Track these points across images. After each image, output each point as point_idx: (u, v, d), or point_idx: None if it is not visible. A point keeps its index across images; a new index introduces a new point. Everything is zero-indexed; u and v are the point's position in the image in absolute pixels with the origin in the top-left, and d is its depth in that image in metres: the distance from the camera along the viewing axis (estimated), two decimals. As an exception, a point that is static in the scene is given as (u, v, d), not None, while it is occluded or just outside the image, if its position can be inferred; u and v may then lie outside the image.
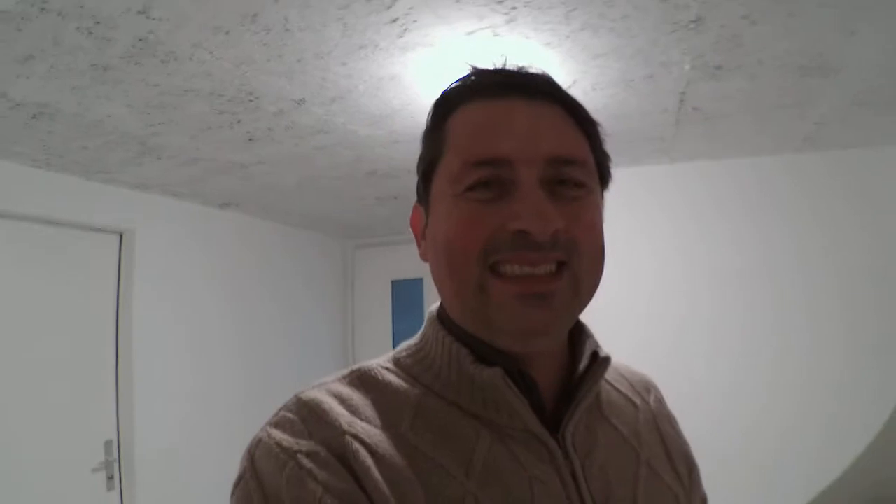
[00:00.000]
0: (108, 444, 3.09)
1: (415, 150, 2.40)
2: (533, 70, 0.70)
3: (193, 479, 3.41)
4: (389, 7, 1.53)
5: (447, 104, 0.70)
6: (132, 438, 3.17)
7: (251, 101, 2.11)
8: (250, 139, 2.50)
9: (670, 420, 0.85)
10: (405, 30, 1.66)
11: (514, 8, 1.59)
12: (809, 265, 3.02)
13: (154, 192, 3.30)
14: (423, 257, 0.73)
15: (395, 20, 1.61)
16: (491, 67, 0.70)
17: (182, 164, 2.79)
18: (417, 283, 5.12)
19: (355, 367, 0.70)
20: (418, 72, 1.94)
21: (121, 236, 3.25)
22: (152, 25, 1.60)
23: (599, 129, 0.72)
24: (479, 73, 0.70)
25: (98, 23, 1.58)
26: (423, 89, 2.08)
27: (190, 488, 3.39)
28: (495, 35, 1.73)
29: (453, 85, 0.71)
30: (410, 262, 4.96)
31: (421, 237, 0.74)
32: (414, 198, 0.76)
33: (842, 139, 2.87)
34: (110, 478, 3.08)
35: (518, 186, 0.62)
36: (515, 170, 0.62)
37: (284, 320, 4.49)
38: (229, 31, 1.62)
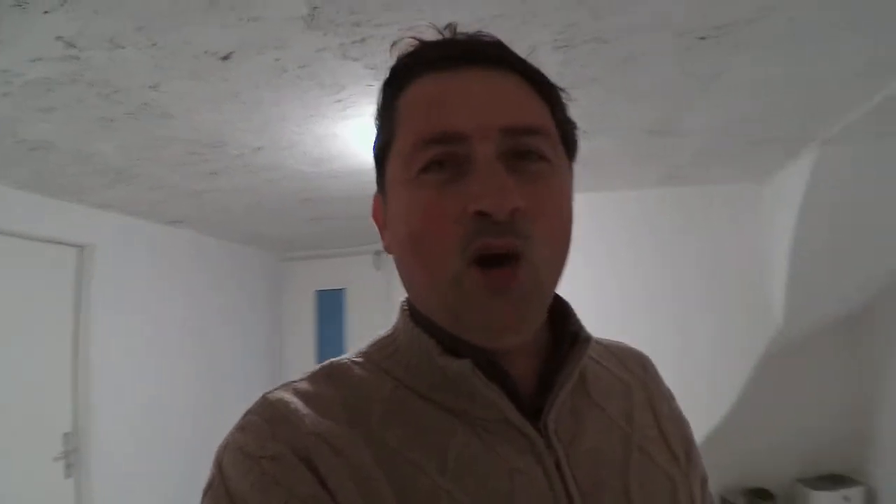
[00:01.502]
0: (66, 436, 3.45)
1: (346, 183, 3.18)
2: (485, 38, 0.66)
3: (143, 469, 3.85)
4: (337, 93, 2.15)
5: (397, 82, 0.67)
6: (88, 432, 3.53)
7: (219, 147, 2.66)
8: (212, 173, 3.04)
9: (667, 398, 0.81)
10: (346, 106, 2.27)
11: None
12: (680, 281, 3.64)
13: (113, 210, 3.74)
14: (388, 249, 0.70)
15: (339, 101, 2.22)
16: (439, 38, 0.67)
17: (148, 189, 3.29)
18: (339, 293, 5.60)
19: (326, 363, 0.69)
20: (353, 131, 2.55)
21: (80, 249, 3.65)
22: (158, 96, 2.13)
23: (562, 94, 0.69)
24: (427, 46, 0.66)
25: (117, 91, 2.09)
26: (356, 142, 2.68)
27: (139, 477, 3.82)
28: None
29: (401, 60, 0.67)
30: (333, 274, 5.54)
31: (384, 228, 0.71)
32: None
33: (710, 176, 3.51)
34: (68, 466, 3.42)
35: (474, 163, 0.59)
36: (470, 145, 0.59)
37: (224, 324, 4.93)
38: (217, 102, 2.19)
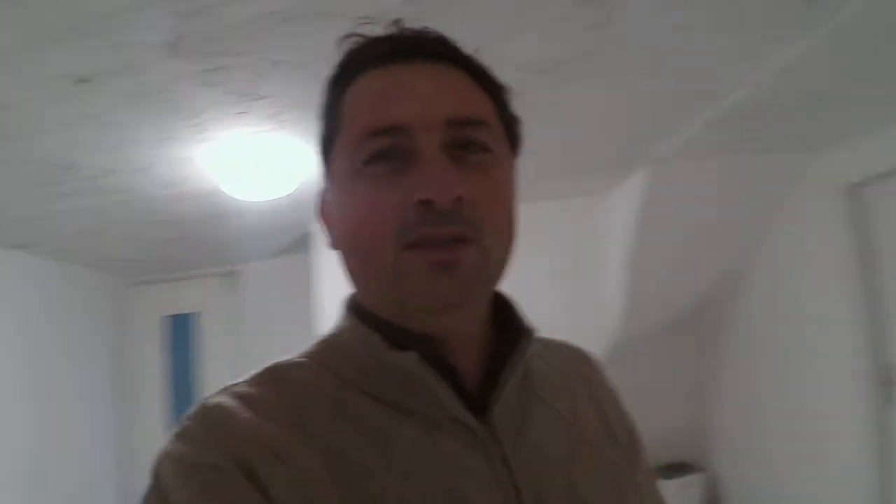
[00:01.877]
0: None
1: (199, 205, 3.28)
2: (430, 34, 0.67)
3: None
4: (194, 118, 2.27)
5: (343, 77, 0.68)
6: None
7: (71, 168, 2.68)
8: (62, 195, 3.01)
9: (610, 393, 0.83)
10: (202, 130, 2.39)
11: (284, 120, 2.38)
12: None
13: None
14: (333, 245, 0.70)
15: (196, 125, 2.34)
16: (385, 34, 0.67)
17: (-9, 213, 3.20)
18: (190, 317, 5.42)
19: (269, 364, 0.67)
20: (206, 154, 2.66)
21: None
22: (8, 116, 2.15)
23: (505, 90, 0.71)
24: (373, 41, 0.67)
25: (-35, 112, 2.11)
26: (207, 165, 2.77)
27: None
28: (268, 132, 2.49)
29: (348, 56, 0.68)
30: (184, 298, 5.39)
31: (329, 224, 0.71)
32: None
33: (552, 192, 3.76)
34: None
35: (418, 154, 0.59)
36: (414, 137, 0.60)
37: (65, 355, 4.67)
38: (73, 123, 2.24)
